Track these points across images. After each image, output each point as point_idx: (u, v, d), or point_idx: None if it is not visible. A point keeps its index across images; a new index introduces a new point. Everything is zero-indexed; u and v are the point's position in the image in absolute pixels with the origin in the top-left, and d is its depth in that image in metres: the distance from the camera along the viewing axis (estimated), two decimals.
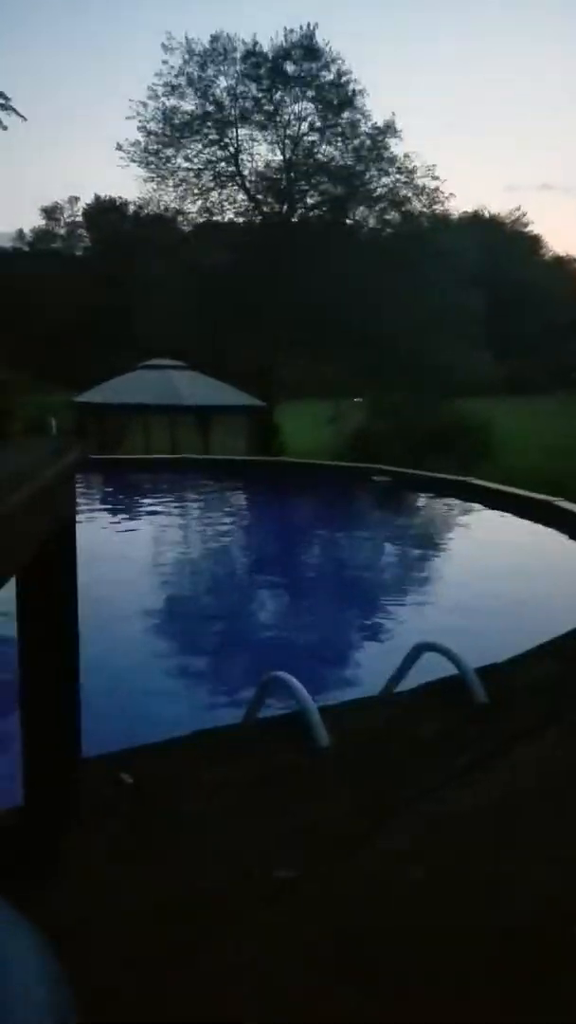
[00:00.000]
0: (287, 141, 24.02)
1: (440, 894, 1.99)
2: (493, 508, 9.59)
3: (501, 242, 42.77)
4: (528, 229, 49.69)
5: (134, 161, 23.88)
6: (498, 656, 3.40)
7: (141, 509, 10.95)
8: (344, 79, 23.44)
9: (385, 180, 24.06)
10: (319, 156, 24.24)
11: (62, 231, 50.31)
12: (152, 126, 23.54)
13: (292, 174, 24.34)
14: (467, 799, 2.41)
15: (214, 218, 25.58)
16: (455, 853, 2.16)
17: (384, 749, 2.74)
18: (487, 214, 46.10)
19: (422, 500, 11.22)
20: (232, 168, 24.41)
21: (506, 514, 9.22)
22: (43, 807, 2.20)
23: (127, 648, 4.82)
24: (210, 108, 23.59)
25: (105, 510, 11.21)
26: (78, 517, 2.15)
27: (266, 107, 23.61)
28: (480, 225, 41.68)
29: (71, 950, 1.70)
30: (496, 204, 79.26)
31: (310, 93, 23.57)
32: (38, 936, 0.77)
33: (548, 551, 7.91)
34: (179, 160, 23.98)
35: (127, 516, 10.62)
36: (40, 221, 50.33)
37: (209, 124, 23.72)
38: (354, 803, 2.39)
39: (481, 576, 7.12)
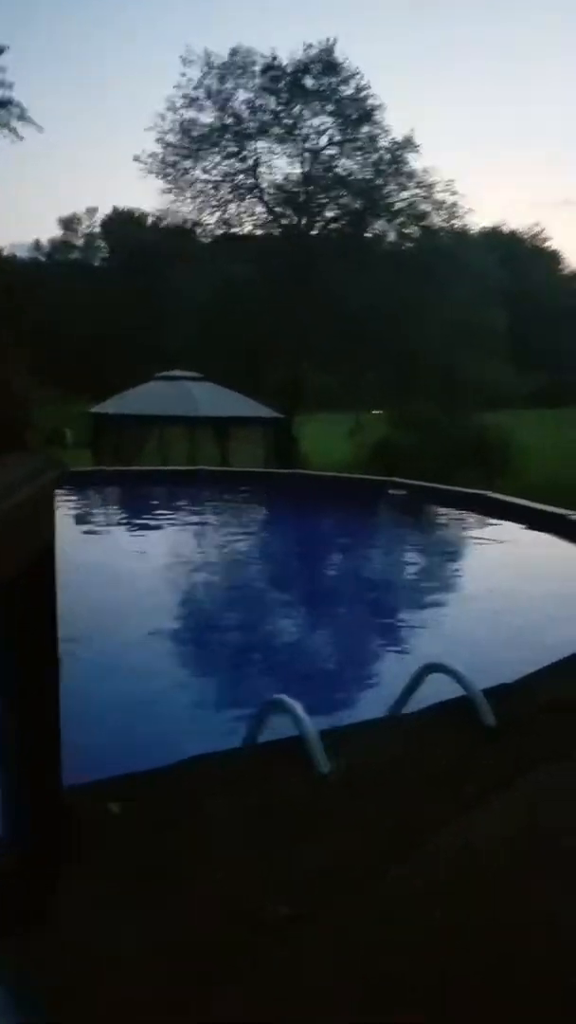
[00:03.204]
0: (306, 154, 24.06)
1: (459, 936, 1.85)
2: (509, 521, 9.40)
3: (522, 256, 42.63)
4: (547, 245, 49.51)
5: (152, 173, 24.04)
6: (507, 678, 3.25)
7: (147, 521, 10.82)
8: (363, 94, 23.49)
9: (404, 194, 24.02)
10: (338, 170, 24.24)
11: (79, 242, 50.53)
12: (171, 138, 23.70)
13: (311, 187, 24.37)
14: (481, 830, 2.27)
15: (232, 230, 25.63)
16: (474, 890, 2.02)
17: (388, 776, 2.60)
18: (506, 229, 45.93)
19: (438, 514, 11.05)
20: (251, 180, 24.48)
21: (522, 526, 9.04)
22: (25, 840, 2.09)
23: (118, 663, 4.70)
24: (228, 121, 23.69)
25: (112, 522, 11.13)
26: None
27: (285, 120, 23.68)
28: (501, 239, 41.55)
29: (65, 1000, 1.60)
30: (519, 220, 78.75)
31: (329, 107, 23.61)
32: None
33: (565, 566, 7.72)
34: (197, 172, 24.11)
35: (133, 528, 10.49)
36: (57, 232, 50.56)
37: (227, 136, 23.82)
38: (359, 835, 2.25)
39: (491, 591, 6.94)
